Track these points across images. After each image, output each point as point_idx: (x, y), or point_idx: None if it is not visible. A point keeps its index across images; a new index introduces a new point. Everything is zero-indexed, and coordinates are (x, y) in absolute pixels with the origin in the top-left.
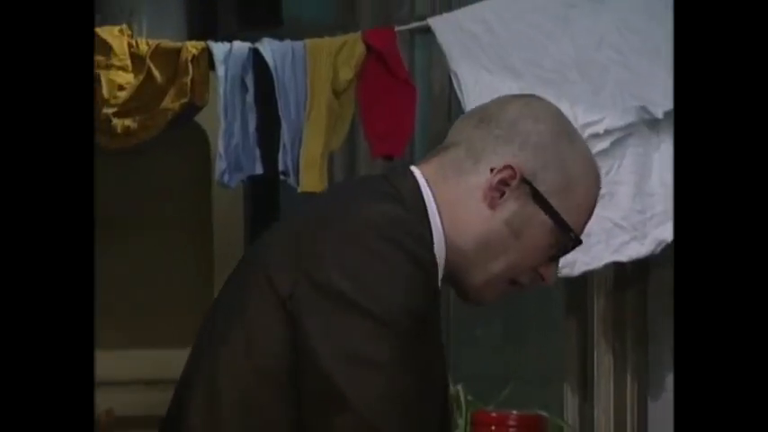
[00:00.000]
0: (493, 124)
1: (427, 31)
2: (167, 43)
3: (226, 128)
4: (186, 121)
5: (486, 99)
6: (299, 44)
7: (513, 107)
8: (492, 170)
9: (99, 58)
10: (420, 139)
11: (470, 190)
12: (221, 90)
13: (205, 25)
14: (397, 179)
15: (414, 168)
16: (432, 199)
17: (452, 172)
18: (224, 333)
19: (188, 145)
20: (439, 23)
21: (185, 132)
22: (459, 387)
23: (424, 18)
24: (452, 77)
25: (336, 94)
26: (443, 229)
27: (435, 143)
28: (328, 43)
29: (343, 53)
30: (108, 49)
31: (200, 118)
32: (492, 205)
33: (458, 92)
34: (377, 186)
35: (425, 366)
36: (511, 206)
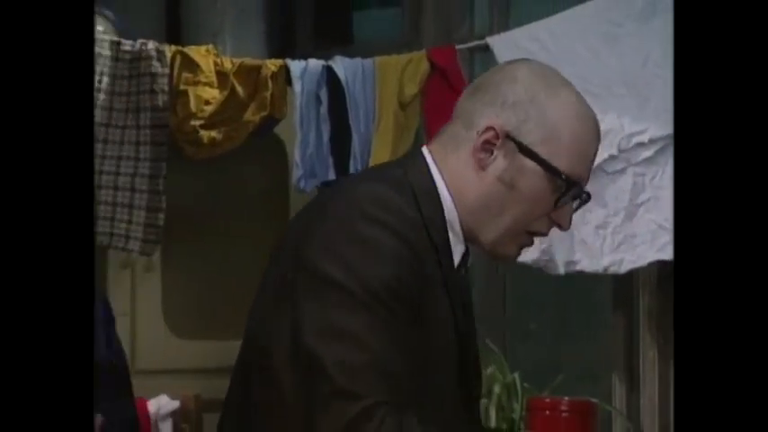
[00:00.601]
0: (482, 92)
1: (486, 49)
2: (249, 61)
3: (302, 138)
4: (266, 132)
5: None
6: (368, 61)
7: (498, 73)
8: (477, 134)
9: (187, 75)
10: None
11: (466, 157)
12: (298, 104)
13: (283, 45)
14: (408, 161)
15: (423, 148)
16: (439, 174)
17: (451, 145)
18: (251, 328)
19: (267, 154)
20: (497, 42)
21: (265, 142)
22: (516, 375)
23: (483, 37)
24: None
25: (402, 107)
26: (453, 200)
27: None
28: (395, 60)
29: (408, 70)
30: (195, 67)
31: (279, 129)
32: (482, 166)
33: None
34: (384, 169)
35: (416, 342)
36: (500, 163)
